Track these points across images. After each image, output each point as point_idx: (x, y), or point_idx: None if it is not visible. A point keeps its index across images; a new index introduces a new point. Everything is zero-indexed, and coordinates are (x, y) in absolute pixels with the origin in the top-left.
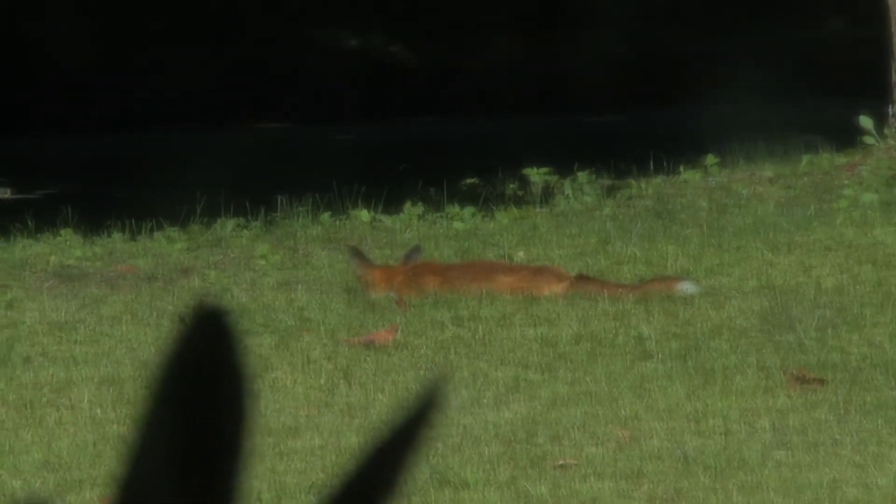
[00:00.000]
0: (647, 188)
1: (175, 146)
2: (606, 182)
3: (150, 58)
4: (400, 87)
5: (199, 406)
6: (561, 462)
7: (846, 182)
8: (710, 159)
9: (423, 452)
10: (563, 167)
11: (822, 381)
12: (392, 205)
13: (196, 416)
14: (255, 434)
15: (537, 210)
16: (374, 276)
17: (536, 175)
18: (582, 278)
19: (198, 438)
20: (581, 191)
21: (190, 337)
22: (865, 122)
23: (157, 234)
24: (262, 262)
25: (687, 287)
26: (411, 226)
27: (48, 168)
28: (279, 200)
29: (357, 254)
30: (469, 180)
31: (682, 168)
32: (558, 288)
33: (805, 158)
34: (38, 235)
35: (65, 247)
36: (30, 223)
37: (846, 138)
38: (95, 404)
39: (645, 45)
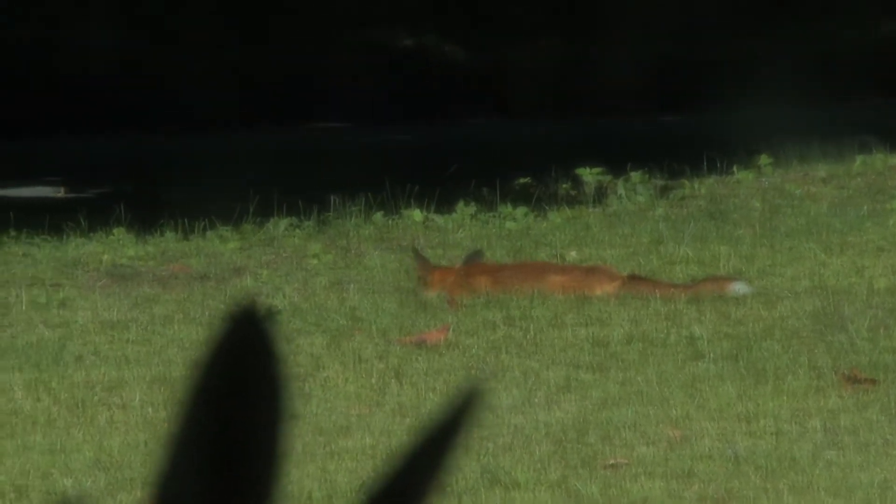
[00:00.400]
0: (700, 188)
1: (229, 146)
2: (659, 182)
3: (202, 58)
4: (454, 87)
5: (235, 407)
6: (612, 462)
7: None
8: (764, 159)
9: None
10: (617, 167)
11: (873, 382)
12: (445, 204)
13: (231, 417)
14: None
15: (590, 210)
16: (434, 277)
17: (589, 175)
18: (634, 278)
19: (233, 440)
20: (634, 191)
21: (227, 338)
22: None
23: (209, 234)
24: (315, 261)
25: (739, 288)
26: (464, 225)
27: (102, 167)
28: (332, 200)
29: (419, 255)
30: (522, 180)
31: (735, 168)
32: (610, 288)
33: (859, 159)
34: (91, 234)
35: (117, 246)
36: (83, 222)
37: None
38: (147, 403)
39: (694, 47)
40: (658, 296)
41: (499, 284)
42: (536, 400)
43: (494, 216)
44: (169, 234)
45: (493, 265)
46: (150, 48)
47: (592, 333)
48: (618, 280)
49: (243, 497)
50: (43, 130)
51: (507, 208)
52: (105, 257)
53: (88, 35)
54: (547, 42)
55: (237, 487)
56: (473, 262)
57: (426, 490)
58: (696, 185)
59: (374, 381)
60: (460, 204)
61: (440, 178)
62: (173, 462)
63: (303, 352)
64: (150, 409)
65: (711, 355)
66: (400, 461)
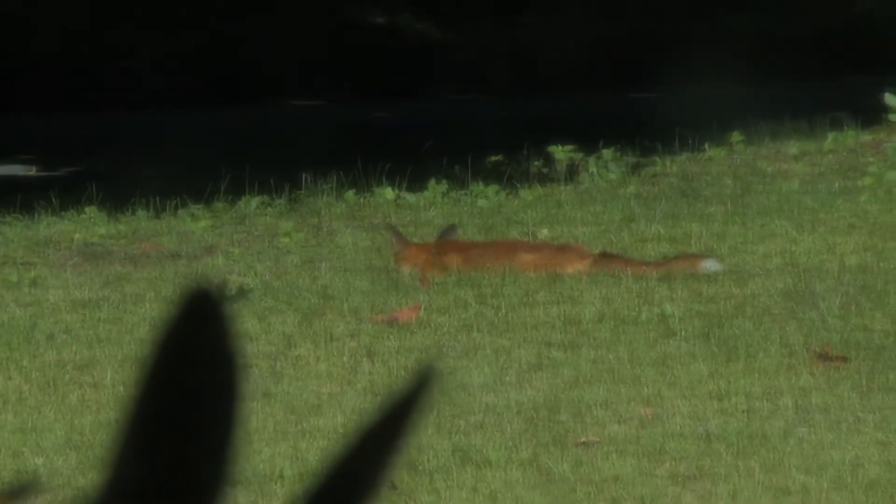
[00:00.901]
0: (672, 166)
1: (200, 124)
2: (631, 160)
3: (175, 34)
4: (427, 65)
5: (188, 386)
6: (583, 440)
7: (871, 160)
8: (736, 137)
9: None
10: (588, 145)
11: (844, 359)
12: (416, 182)
13: (184, 395)
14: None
15: (562, 188)
16: (410, 254)
17: (561, 153)
18: (605, 256)
19: (186, 418)
20: (606, 168)
21: (181, 317)
22: (891, 99)
23: (181, 212)
24: (286, 239)
25: (711, 265)
26: (435, 203)
27: (73, 146)
28: (304, 178)
29: (394, 231)
30: (493, 158)
31: (707, 146)
32: (581, 266)
33: (830, 136)
34: (63, 213)
35: (89, 224)
36: (54, 201)
37: (871, 116)
38: (118, 382)
39: (667, 23)
40: (630, 273)
41: (470, 262)
42: (508, 378)
43: (466, 194)
44: (140, 213)
45: (465, 243)
46: (120, 25)
47: (564, 311)
48: (589, 258)
49: (198, 475)
50: (12, 107)
51: (478, 186)
52: (76, 236)
53: (55, 12)
54: (518, 18)
55: (191, 466)
56: (448, 238)
57: (380, 470)
58: (668, 163)
59: (345, 359)
60: (432, 182)
61: (415, 155)
62: (126, 442)
63: (274, 330)
64: (121, 388)
65: (683, 333)
66: (354, 441)
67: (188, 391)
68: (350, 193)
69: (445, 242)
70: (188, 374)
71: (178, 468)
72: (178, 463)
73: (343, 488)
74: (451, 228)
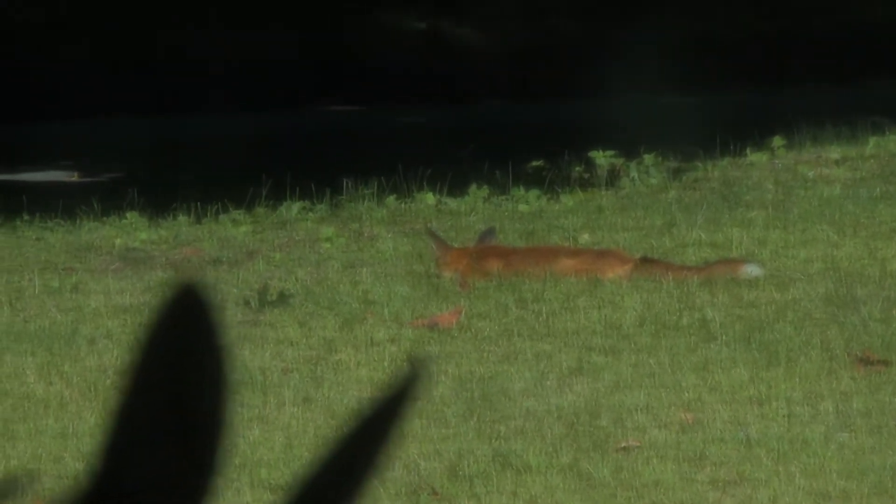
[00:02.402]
0: (714, 170)
1: (241, 129)
2: (673, 164)
3: (215, 40)
4: (468, 70)
5: (175, 379)
6: (624, 444)
7: None
8: (777, 141)
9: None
10: (630, 150)
11: (886, 363)
12: (457, 188)
13: (171, 389)
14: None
15: (602, 192)
16: (451, 258)
17: (602, 158)
18: (646, 261)
19: (174, 411)
20: (647, 173)
21: (166, 311)
22: None
23: (222, 217)
24: (327, 244)
25: (752, 270)
26: (476, 208)
27: (115, 151)
28: (345, 183)
29: (434, 235)
30: (535, 163)
31: (748, 150)
32: (622, 271)
33: (871, 140)
34: (105, 218)
35: (130, 230)
36: (96, 206)
37: None
38: None
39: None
40: (670, 278)
41: (511, 267)
42: (548, 383)
43: (507, 199)
44: (182, 218)
45: (505, 248)
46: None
47: (605, 316)
48: (629, 263)
49: (189, 467)
50: (55, 114)
51: (519, 191)
52: (118, 241)
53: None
54: (560, 23)
55: (181, 458)
56: (487, 241)
57: (370, 462)
58: (709, 168)
59: (386, 364)
60: (473, 187)
61: (456, 158)
62: (116, 436)
63: (315, 335)
64: None
65: (724, 338)
66: (344, 435)
67: (176, 385)
68: (391, 199)
69: (486, 248)
70: (176, 367)
71: (168, 461)
72: (168, 456)
73: (333, 481)
74: (490, 231)
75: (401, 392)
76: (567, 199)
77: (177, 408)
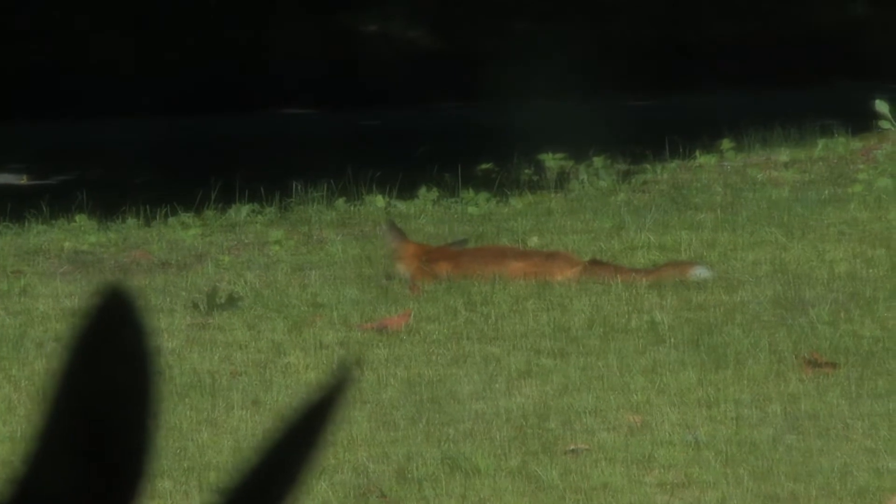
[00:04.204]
0: (663, 173)
1: (190, 132)
2: (622, 167)
3: (160, 44)
4: (419, 73)
5: (101, 384)
6: (572, 447)
7: (861, 166)
8: (726, 144)
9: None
10: (579, 152)
11: (834, 366)
12: (407, 190)
13: (98, 394)
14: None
15: (552, 195)
16: (405, 251)
17: (552, 160)
18: (595, 263)
19: (100, 417)
20: (596, 176)
21: (94, 317)
22: (881, 105)
23: (171, 220)
24: (276, 247)
25: (700, 272)
26: (426, 211)
27: (64, 154)
28: (294, 186)
29: (394, 226)
30: (484, 165)
31: (697, 153)
32: (570, 273)
33: (820, 143)
34: (53, 221)
35: (79, 233)
36: (44, 209)
37: (862, 122)
38: None
39: (663, 30)
40: (619, 281)
41: (460, 269)
42: (497, 386)
43: (457, 202)
44: (130, 221)
45: (454, 251)
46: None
47: (553, 319)
48: (578, 266)
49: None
50: (3, 116)
51: (469, 194)
52: (66, 244)
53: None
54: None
55: (108, 464)
56: (457, 248)
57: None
58: (659, 170)
59: (335, 367)
60: (423, 190)
61: (406, 162)
62: (42, 442)
63: (264, 338)
64: None
65: (672, 340)
66: (273, 439)
67: (102, 389)
68: (340, 201)
69: (435, 250)
70: (102, 372)
71: (95, 468)
72: (95, 462)
73: (262, 485)
74: (462, 241)
75: (332, 393)
76: (516, 202)
77: (99, 415)
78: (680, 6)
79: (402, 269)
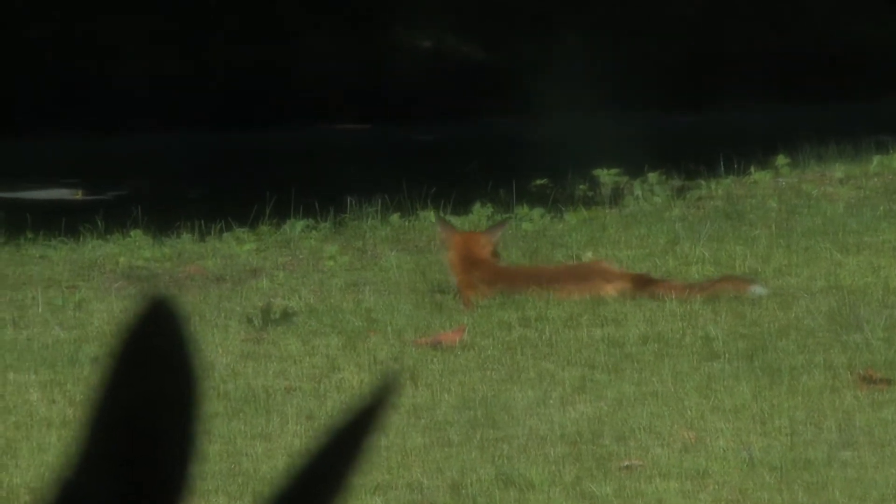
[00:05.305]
0: (717, 189)
1: (246, 147)
2: (676, 183)
3: (216, 58)
4: (472, 87)
5: (144, 393)
6: (626, 463)
7: None
8: (781, 160)
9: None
10: (634, 168)
11: (888, 381)
12: (461, 206)
13: (141, 403)
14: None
15: (606, 211)
16: (455, 240)
17: (606, 176)
18: (646, 280)
19: (144, 426)
20: (651, 192)
21: (136, 328)
22: None
23: (226, 235)
24: (331, 262)
25: (758, 290)
26: (480, 227)
27: (119, 169)
28: (348, 201)
29: (443, 220)
30: (539, 181)
31: (752, 169)
32: (611, 289)
33: (875, 159)
34: (108, 236)
35: (134, 248)
36: (99, 224)
37: None
38: None
39: (709, 45)
40: (674, 297)
41: (499, 289)
42: (551, 401)
43: (511, 217)
44: (185, 236)
45: (494, 269)
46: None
47: (608, 334)
48: (618, 280)
49: (158, 482)
50: (59, 131)
51: (523, 209)
52: (121, 259)
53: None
54: (572, 40)
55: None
56: (497, 231)
57: (344, 473)
58: (713, 186)
59: (381, 376)
60: (476, 205)
61: (458, 179)
62: (86, 450)
63: (318, 353)
64: None
65: (727, 355)
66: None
67: (145, 398)
68: (395, 217)
69: (482, 261)
70: (145, 381)
71: (138, 476)
72: (138, 471)
73: (307, 492)
74: (501, 224)
75: (377, 401)
76: (571, 218)
77: (141, 425)
78: (732, 21)
79: (450, 258)
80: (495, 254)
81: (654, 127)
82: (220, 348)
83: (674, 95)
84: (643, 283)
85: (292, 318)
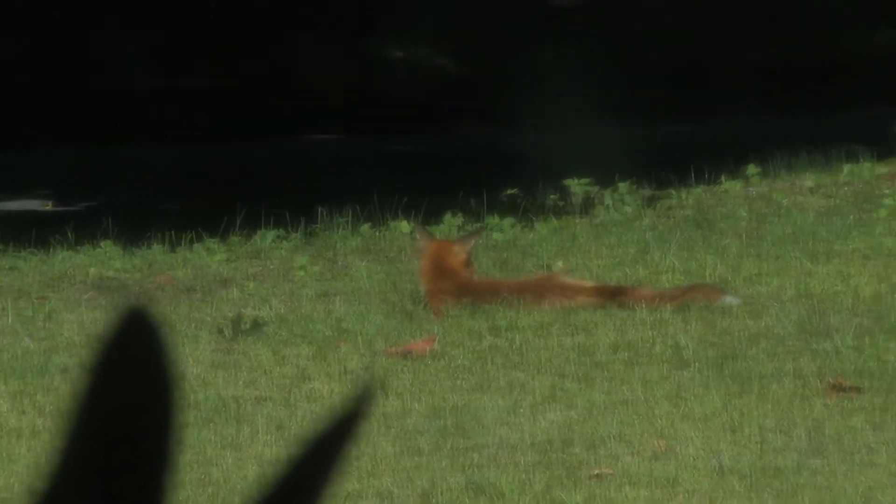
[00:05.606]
0: (688, 198)
1: (215, 158)
2: (647, 192)
3: (185, 71)
4: (445, 99)
5: (122, 402)
6: (596, 471)
7: (886, 191)
8: (752, 169)
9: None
10: (605, 178)
11: (858, 390)
12: (432, 216)
13: (119, 411)
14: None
15: (577, 220)
16: (428, 249)
17: (577, 186)
18: (611, 290)
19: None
20: (622, 201)
21: (113, 338)
22: None
23: (196, 246)
24: (301, 273)
25: (729, 300)
26: (451, 237)
27: (88, 180)
28: (319, 212)
29: (423, 229)
30: (509, 191)
31: (722, 178)
32: (571, 304)
33: (846, 168)
34: (78, 247)
35: (104, 258)
36: (70, 235)
37: (887, 147)
38: None
39: (687, 56)
40: (644, 306)
41: (466, 300)
42: (522, 410)
43: (484, 226)
44: (156, 247)
45: (461, 283)
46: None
47: (578, 343)
48: (579, 295)
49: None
50: (28, 143)
51: (494, 219)
52: (91, 270)
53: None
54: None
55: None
56: (470, 239)
57: (322, 482)
58: (684, 195)
59: (356, 387)
60: (447, 215)
61: (433, 186)
62: (64, 460)
63: (289, 363)
64: None
65: (697, 364)
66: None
67: (123, 408)
68: (365, 227)
69: (453, 272)
70: (123, 391)
71: (117, 486)
72: (117, 481)
73: (286, 501)
74: (476, 232)
75: (353, 412)
76: (541, 227)
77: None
78: (704, 32)
79: (422, 263)
80: (468, 263)
81: (630, 138)
82: (190, 358)
83: (653, 107)
84: (610, 294)
85: (262, 328)
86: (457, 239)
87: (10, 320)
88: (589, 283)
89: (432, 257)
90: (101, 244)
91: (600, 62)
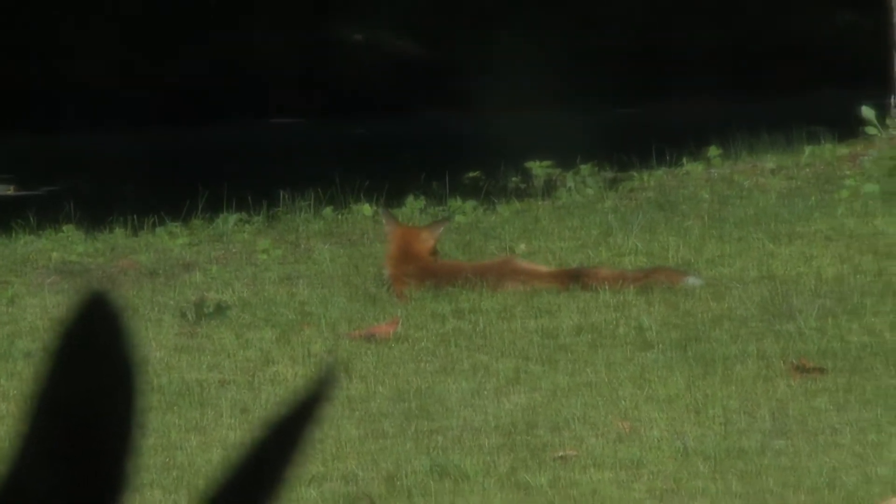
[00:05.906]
0: (650, 180)
1: (177, 142)
2: (609, 175)
3: (149, 57)
4: (406, 82)
5: (84, 387)
6: (561, 453)
7: (848, 172)
8: (713, 151)
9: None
10: (566, 160)
11: (821, 370)
12: (394, 199)
13: (81, 397)
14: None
15: (539, 203)
16: (394, 233)
17: (539, 168)
18: (571, 273)
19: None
20: (584, 183)
21: (73, 322)
22: (867, 112)
23: (158, 230)
24: (264, 256)
25: (693, 281)
26: (413, 219)
27: (51, 165)
28: (282, 195)
29: (388, 213)
30: (471, 174)
31: (684, 160)
32: (526, 288)
33: (807, 149)
34: (41, 232)
35: (67, 243)
36: (32, 219)
37: (848, 129)
38: None
39: (649, 39)
40: (606, 287)
41: (429, 282)
42: (486, 392)
43: (444, 210)
44: (118, 231)
45: (424, 266)
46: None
47: (542, 325)
48: (534, 281)
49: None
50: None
51: (456, 202)
52: (54, 254)
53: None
54: (502, 35)
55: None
56: (437, 228)
57: (284, 465)
58: (646, 177)
59: (319, 370)
60: (410, 198)
61: (391, 172)
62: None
63: (252, 346)
64: None
65: (660, 345)
66: (241, 457)
67: (85, 393)
68: (328, 210)
69: (416, 256)
70: (85, 376)
71: (79, 470)
72: (79, 465)
73: (246, 486)
74: (442, 221)
75: (316, 395)
76: (504, 210)
77: (80, 419)
78: (666, 15)
79: (389, 249)
80: (434, 251)
81: (593, 121)
82: (153, 342)
83: (615, 90)
84: (570, 277)
85: (226, 311)
86: (425, 225)
87: None
88: (544, 269)
89: (400, 242)
90: (64, 228)
91: (561, 45)
